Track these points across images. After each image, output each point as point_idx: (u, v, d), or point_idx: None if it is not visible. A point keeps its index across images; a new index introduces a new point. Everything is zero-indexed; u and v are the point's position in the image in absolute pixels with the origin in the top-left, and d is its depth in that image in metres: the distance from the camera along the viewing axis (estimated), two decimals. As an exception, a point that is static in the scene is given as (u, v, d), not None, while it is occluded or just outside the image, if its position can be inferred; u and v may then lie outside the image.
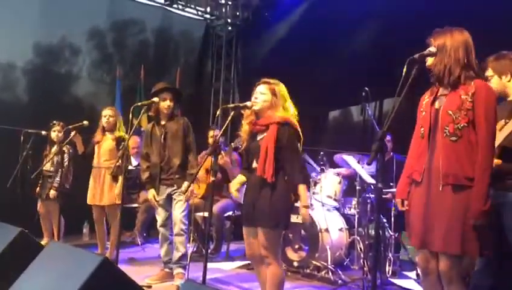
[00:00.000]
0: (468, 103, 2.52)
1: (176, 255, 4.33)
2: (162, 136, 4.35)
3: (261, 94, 3.24)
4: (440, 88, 2.67)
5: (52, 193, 5.36)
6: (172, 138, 4.35)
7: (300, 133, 3.24)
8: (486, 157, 2.49)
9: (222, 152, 5.51)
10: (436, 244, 2.53)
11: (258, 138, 3.26)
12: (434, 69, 2.61)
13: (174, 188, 4.31)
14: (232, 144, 3.62)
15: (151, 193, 4.40)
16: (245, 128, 3.30)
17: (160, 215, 4.42)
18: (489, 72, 2.98)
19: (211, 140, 5.67)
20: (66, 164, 5.33)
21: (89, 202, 5.13)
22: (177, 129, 4.36)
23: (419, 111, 2.76)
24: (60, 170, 4.80)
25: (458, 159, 2.52)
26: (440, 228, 2.51)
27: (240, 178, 3.40)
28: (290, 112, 3.26)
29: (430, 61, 2.60)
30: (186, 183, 4.17)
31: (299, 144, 3.24)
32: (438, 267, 2.59)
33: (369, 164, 2.32)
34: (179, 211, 4.29)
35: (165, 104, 4.35)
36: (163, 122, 4.41)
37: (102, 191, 5.03)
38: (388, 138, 5.71)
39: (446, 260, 2.53)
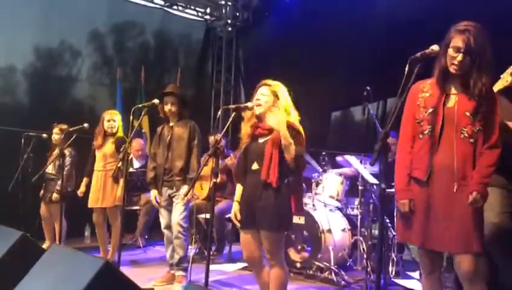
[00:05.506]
0: (483, 105, 2.47)
1: (176, 257, 4.32)
2: (168, 138, 4.39)
3: (263, 96, 3.19)
4: (451, 86, 2.58)
5: (55, 196, 5.36)
6: (177, 140, 4.37)
7: (303, 136, 3.17)
8: (498, 155, 2.48)
9: (231, 155, 5.49)
10: (455, 245, 2.48)
11: (260, 140, 3.20)
12: (462, 67, 2.48)
13: (174, 190, 4.32)
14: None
15: (153, 194, 4.43)
16: (245, 130, 3.24)
17: (163, 217, 4.42)
18: None
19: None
20: (67, 167, 5.33)
21: (90, 205, 5.11)
22: (183, 132, 4.38)
23: (415, 105, 2.64)
24: (61, 173, 4.79)
25: (474, 162, 2.50)
26: (458, 229, 2.46)
27: (240, 190, 3.31)
28: (291, 113, 3.20)
29: (460, 57, 2.46)
30: (185, 187, 4.18)
31: (301, 147, 3.14)
32: (461, 267, 2.51)
33: (371, 164, 2.27)
34: (176, 214, 4.29)
35: (166, 108, 4.41)
36: (171, 124, 4.46)
37: (104, 194, 5.03)
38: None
39: (469, 261, 2.48)
